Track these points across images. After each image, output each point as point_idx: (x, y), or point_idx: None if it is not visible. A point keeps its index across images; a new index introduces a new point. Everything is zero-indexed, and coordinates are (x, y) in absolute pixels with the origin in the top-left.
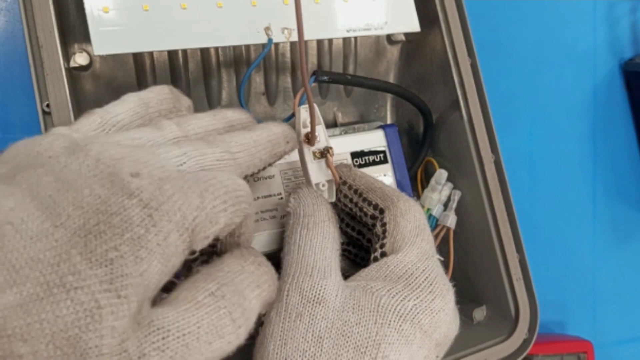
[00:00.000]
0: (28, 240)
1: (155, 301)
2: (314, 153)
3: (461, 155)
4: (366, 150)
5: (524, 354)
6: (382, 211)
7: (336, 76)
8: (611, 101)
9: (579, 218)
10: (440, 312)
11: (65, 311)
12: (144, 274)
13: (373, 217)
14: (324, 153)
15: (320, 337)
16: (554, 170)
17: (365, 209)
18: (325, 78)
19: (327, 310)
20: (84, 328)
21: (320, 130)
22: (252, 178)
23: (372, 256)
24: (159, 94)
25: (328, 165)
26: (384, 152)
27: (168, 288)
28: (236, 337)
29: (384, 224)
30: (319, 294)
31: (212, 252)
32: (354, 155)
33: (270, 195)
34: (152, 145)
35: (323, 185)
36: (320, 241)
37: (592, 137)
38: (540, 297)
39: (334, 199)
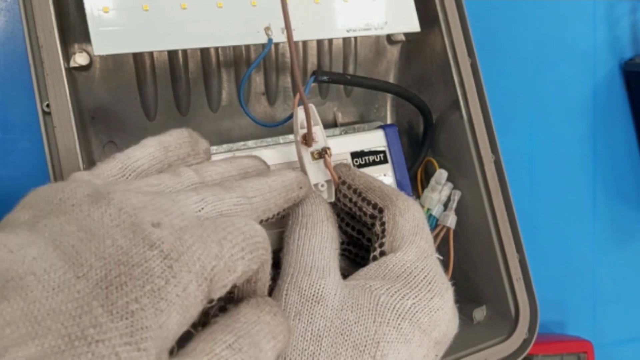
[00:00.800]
0: (50, 291)
1: (172, 351)
2: (312, 154)
3: (461, 155)
4: (366, 150)
5: (524, 354)
6: (381, 210)
7: (336, 76)
8: (611, 101)
9: (579, 218)
10: (439, 311)
11: None
12: (163, 326)
13: (372, 217)
14: (322, 154)
15: (319, 336)
16: (554, 170)
17: (364, 209)
18: (325, 78)
19: (326, 309)
20: None
21: (318, 131)
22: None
23: (372, 255)
24: (178, 138)
25: (326, 165)
26: (384, 152)
27: (184, 337)
28: None
29: (383, 223)
30: (318, 293)
31: (229, 299)
32: (354, 155)
33: None
34: (171, 191)
35: (322, 186)
36: (318, 241)
37: (592, 137)
38: (540, 297)
39: (332, 199)
